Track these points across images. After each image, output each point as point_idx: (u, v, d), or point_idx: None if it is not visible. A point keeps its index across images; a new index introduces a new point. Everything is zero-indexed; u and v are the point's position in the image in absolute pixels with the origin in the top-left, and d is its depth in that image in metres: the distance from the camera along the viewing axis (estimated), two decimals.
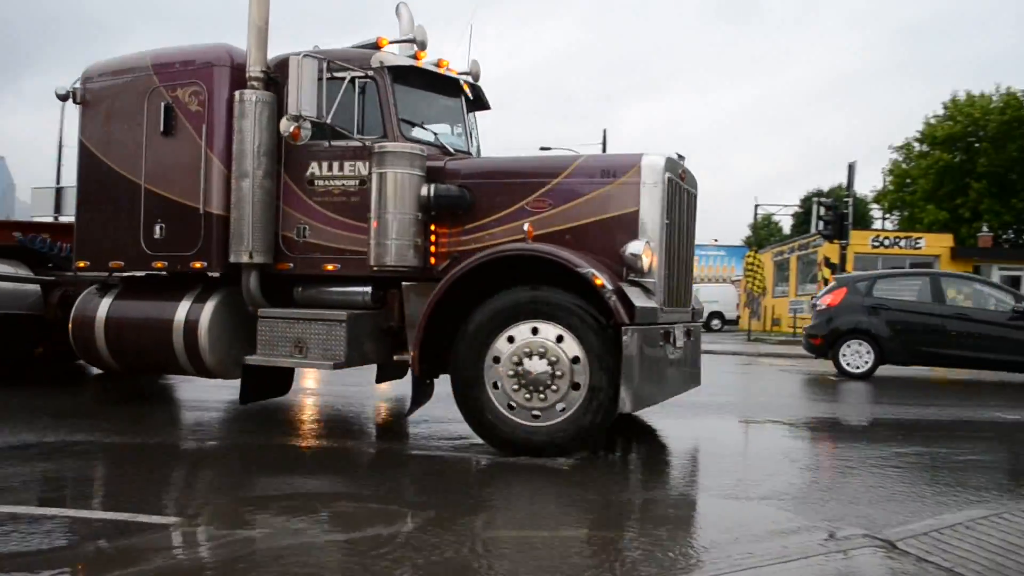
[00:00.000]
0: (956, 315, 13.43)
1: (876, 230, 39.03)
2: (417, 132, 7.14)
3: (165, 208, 7.29)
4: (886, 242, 34.76)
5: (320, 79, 6.43)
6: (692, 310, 7.42)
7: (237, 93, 6.95)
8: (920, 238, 34.87)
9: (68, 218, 14.87)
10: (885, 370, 14.94)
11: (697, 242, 7.80)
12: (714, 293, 39.52)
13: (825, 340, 13.98)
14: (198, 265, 7.14)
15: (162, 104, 7.30)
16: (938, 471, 6.20)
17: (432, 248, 6.68)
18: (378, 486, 5.50)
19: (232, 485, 5.53)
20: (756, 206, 53.70)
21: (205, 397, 9.34)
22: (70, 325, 7.78)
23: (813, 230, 25.04)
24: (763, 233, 52.77)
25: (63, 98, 7.85)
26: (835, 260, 23.69)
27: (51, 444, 6.32)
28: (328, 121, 6.56)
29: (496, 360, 6.02)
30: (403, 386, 9.01)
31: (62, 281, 9.07)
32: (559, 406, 5.93)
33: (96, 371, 10.52)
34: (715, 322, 38.68)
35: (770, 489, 5.40)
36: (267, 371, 7.11)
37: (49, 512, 4.50)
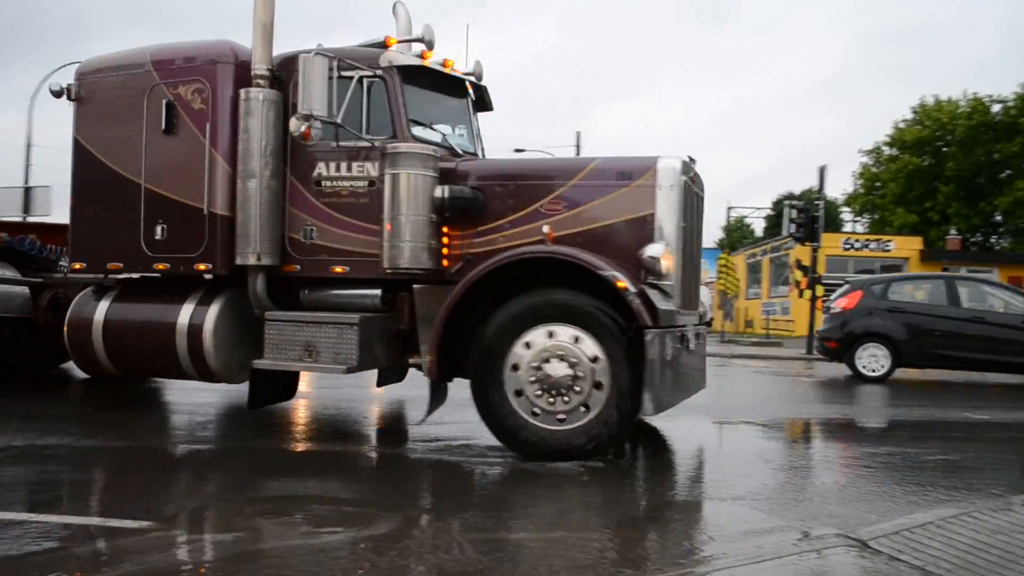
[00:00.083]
0: (972, 318, 13.46)
1: (847, 233, 39.41)
2: (425, 133, 7.04)
3: (167, 208, 7.10)
4: (857, 244, 35.11)
5: (330, 78, 6.32)
6: (699, 313, 7.42)
7: (243, 91, 6.79)
8: (890, 241, 35.31)
9: (40, 218, 14.58)
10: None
11: None
12: None
13: (841, 343, 13.90)
14: (202, 267, 6.97)
15: (163, 102, 7.11)
16: (909, 471, 6.29)
17: (444, 250, 6.59)
18: (379, 489, 5.47)
19: (226, 487, 5.45)
20: (729, 208, 54.05)
21: (189, 400, 9.14)
22: (65, 328, 7.56)
23: (785, 233, 25.22)
24: (736, 235, 53.16)
25: (57, 95, 7.63)
26: (807, 262, 23.87)
27: (20, 448, 6.19)
28: (339, 121, 6.45)
29: (515, 368, 5.97)
30: (400, 389, 8.98)
31: (51, 283, 8.85)
32: (583, 408, 5.89)
33: (82, 375, 10.29)
34: None
35: (744, 489, 5.46)
36: (274, 375, 6.97)
37: (18, 517, 4.39)
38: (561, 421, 5.92)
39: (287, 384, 7.42)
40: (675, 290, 6.30)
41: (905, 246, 34.63)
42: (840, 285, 32.96)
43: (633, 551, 4.07)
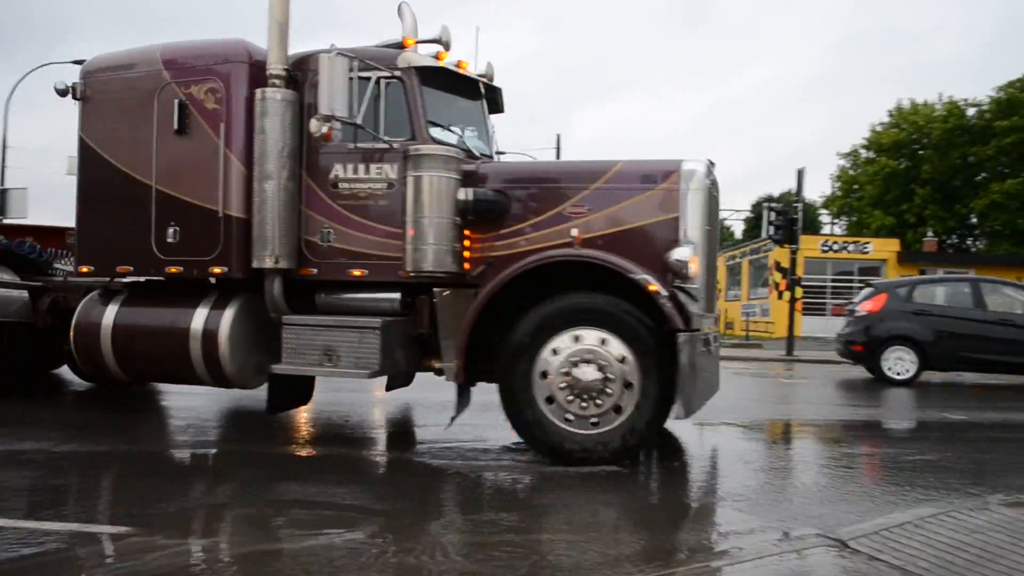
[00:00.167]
0: (999, 321, 13.40)
1: (825, 235, 39.86)
2: (441, 134, 6.96)
3: (179, 210, 6.95)
4: (835, 247, 35.48)
5: (350, 78, 6.23)
6: (715, 315, 7.41)
7: (259, 91, 6.67)
8: (868, 243, 35.72)
9: (16, 220, 14.24)
10: (851, 371, 15.28)
11: None
12: None
13: (867, 346, 13.79)
14: (218, 270, 6.83)
15: (175, 101, 6.96)
16: (888, 471, 6.35)
17: (466, 253, 6.51)
18: (389, 492, 5.47)
19: (235, 492, 5.39)
20: None
21: (182, 405, 9.04)
22: (72, 333, 7.38)
23: (764, 235, 25.42)
24: None
25: (62, 93, 7.46)
26: (786, 264, 24.11)
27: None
28: (359, 122, 6.36)
29: (544, 375, 5.93)
30: (408, 393, 8.89)
31: (51, 287, 8.63)
32: (615, 410, 5.87)
33: (73, 380, 10.09)
34: None
35: (725, 490, 5.51)
36: (291, 380, 6.85)
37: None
38: (595, 425, 5.90)
39: (303, 389, 7.29)
40: (700, 293, 6.28)
41: (882, 248, 35.05)
42: (820, 287, 33.52)
43: (611, 551, 4.10)
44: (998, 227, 38.68)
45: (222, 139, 6.82)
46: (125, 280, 7.59)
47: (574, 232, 6.21)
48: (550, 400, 5.93)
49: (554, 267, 6.15)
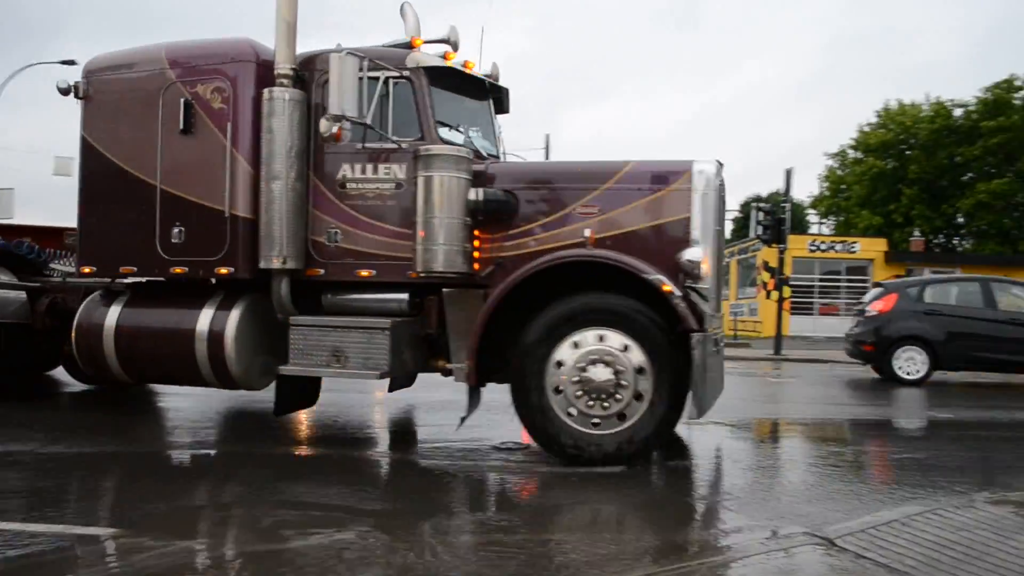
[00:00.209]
0: (1009, 320, 13.41)
1: (813, 234, 40.04)
2: (449, 134, 6.94)
3: (185, 210, 6.89)
4: (823, 246, 35.66)
5: (360, 78, 6.19)
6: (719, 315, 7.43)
7: (267, 91, 6.61)
8: (855, 242, 35.91)
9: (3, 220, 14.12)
10: (837, 370, 15.30)
11: None
12: None
13: (877, 347, 13.76)
14: (224, 271, 6.76)
15: (181, 100, 6.89)
16: (874, 469, 6.41)
17: (476, 254, 6.48)
18: (396, 493, 5.48)
19: (241, 494, 5.38)
20: None
21: (176, 406, 9.01)
22: (73, 334, 7.29)
23: (752, 235, 25.50)
24: None
25: (64, 92, 7.37)
26: (774, 264, 24.17)
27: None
28: (369, 122, 6.32)
29: (559, 365, 5.92)
30: (407, 394, 8.87)
31: (49, 287, 8.53)
32: (621, 416, 5.88)
33: (67, 381, 9.99)
34: None
35: (712, 489, 5.57)
36: (297, 381, 6.81)
37: None
38: (595, 425, 5.91)
39: (310, 391, 7.24)
40: (711, 293, 6.29)
41: (870, 247, 35.26)
42: (808, 287, 33.66)
43: (601, 548, 4.12)
44: (984, 227, 38.96)
45: (228, 139, 6.76)
46: (126, 281, 7.52)
47: (587, 232, 6.20)
48: (557, 391, 5.94)
49: (564, 267, 6.14)
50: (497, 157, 7.46)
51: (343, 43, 6.92)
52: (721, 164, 6.92)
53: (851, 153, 45.16)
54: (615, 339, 5.92)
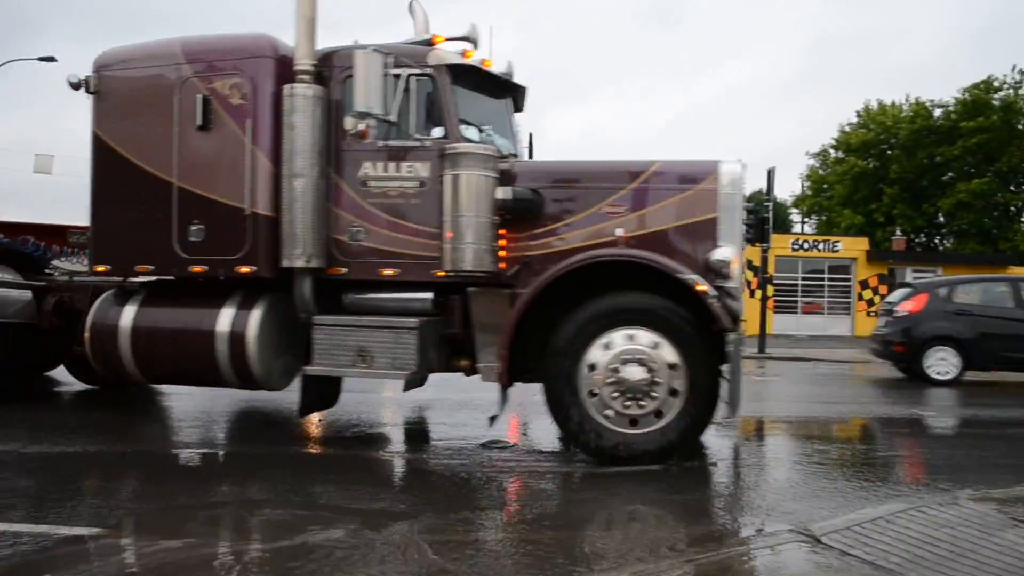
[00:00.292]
0: None
1: (796, 234, 40.31)
2: (469, 132, 6.88)
3: (203, 208, 6.77)
4: (805, 245, 35.83)
5: (385, 75, 6.13)
6: None
7: (287, 87, 6.53)
8: (838, 241, 36.13)
9: None
10: (820, 368, 15.35)
11: None
12: None
13: (908, 347, 13.58)
14: (245, 269, 6.66)
15: (198, 97, 6.77)
16: (859, 467, 6.43)
17: (501, 253, 6.44)
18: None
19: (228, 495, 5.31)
20: None
21: (173, 405, 8.95)
22: (87, 334, 7.13)
23: None
24: None
25: (76, 87, 7.21)
26: (757, 263, 24.33)
27: None
28: (394, 119, 6.26)
29: (592, 368, 5.90)
30: (421, 393, 8.82)
31: (55, 286, 8.35)
32: (657, 413, 5.89)
33: (69, 383, 9.82)
34: None
35: (698, 487, 5.60)
36: (321, 381, 6.73)
37: None
38: (634, 424, 5.92)
39: (332, 391, 7.17)
40: (739, 292, 6.30)
41: (852, 246, 35.52)
42: (791, 285, 33.89)
43: (587, 546, 4.16)
44: (964, 226, 39.32)
45: (248, 135, 6.65)
46: (138, 280, 7.39)
47: (619, 231, 6.19)
48: (592, 394, 5.93)
49: (593, 266, 6.13)
50: (516, 155, 7.42)
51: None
52: (744, 165, 6.94)
53: (833, 153, 45.50)
54: (645, 337, 5.93)
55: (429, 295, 6.60)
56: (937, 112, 40.57)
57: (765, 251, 23.65)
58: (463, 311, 6.54)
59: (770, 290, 22.59)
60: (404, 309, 6.58)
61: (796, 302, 34.23)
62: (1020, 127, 38.19)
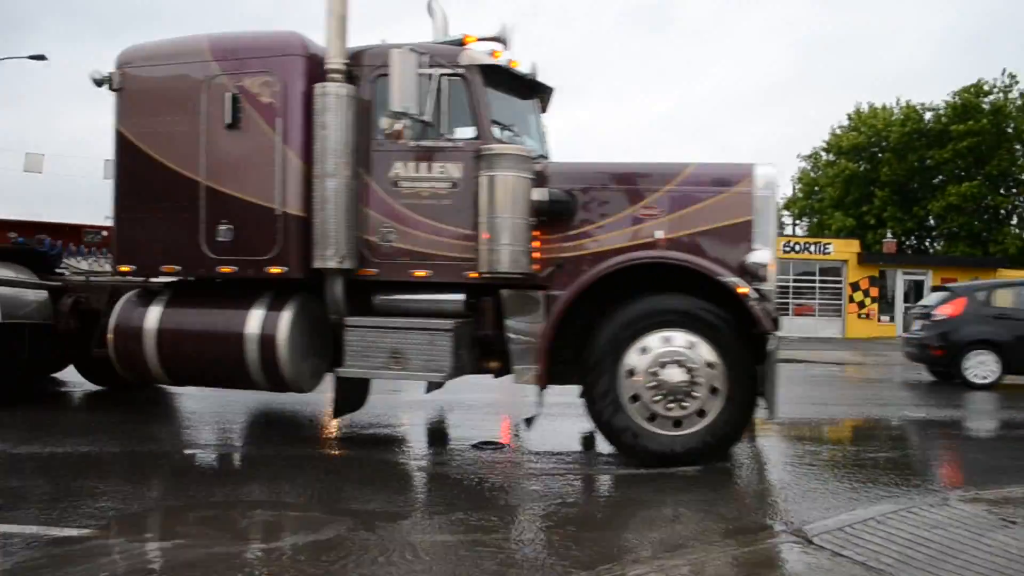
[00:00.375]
0: None
1: (787, 236, 40.50)
2: (499, 134, 6.84)
3: (232, 207, 6.69)
4: (797, 247, 35.99)
5: (420, 75, 6.09)
6: None
7: (319, 86, 6.46)
8: (829, 244, 36.33)
9: None
10: (812, 370, 15.36)
11: None
12: None
13: (947, 351, 13.39)
14: (276, 270, 6.58)
15: (227, 95, 6.68)
16: (850, 468, 6.48)
17: (535, 254, 6.40)
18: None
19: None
20: None
21: (177, 406, 8.90)
22: (110, 336, 7.02)
23: None
24: None
25: (99, 83, 7.11)
26: None
27: None
28: (429, 119, 6.21)
29: (631, 373, 5.88)
30: (442, 395, 8.78)
31: (71, 287, 8.22)
32: (700, 412, 5.90)
33: (70, 384, 9.72)
34: None
35: (689, 487, 5.59)
36: (350, 383, 6.67)
37: None
38: (678, 425, 5.91)
39: (361, 393, 7.11)
40: (773, 294, 6.30)
41: (843, 249, 35.72)
42: (783, 287, 33.96)
43: (576, 549, 4.17)
44: (955, 228, 39.66)
45: (279, 134, 6.58)
46: (159, 280, 7.29)
47: (659, 233, 6.17)
48: (634, 399, 5.93)
49: (628, 268, 6.12)
50: (544, 157, 7.39)
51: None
52: (778, 168, 6.96)
53: (824, 155, 45.77)
54: (680, 338, 5.93)
55: (461, 296, 6.55)
56: (928, 115, 40.91)
57: None
58: (495, 313, 6.50)
59: None
60: (436, 310, 6.53)
61: (788, 304, 34.39)
62: (1010, 131, 38.55)
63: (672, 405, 5.85)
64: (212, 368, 6.78)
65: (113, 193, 7.15)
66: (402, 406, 8.96)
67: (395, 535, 4.36)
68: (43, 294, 8.20)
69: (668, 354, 5.89)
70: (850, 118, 44.09)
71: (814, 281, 34.75)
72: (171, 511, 4.92)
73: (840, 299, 33.69)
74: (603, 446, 7.04)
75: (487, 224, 6.15)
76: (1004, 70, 39.54)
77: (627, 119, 72.51)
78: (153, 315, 6.88)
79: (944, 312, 13.83)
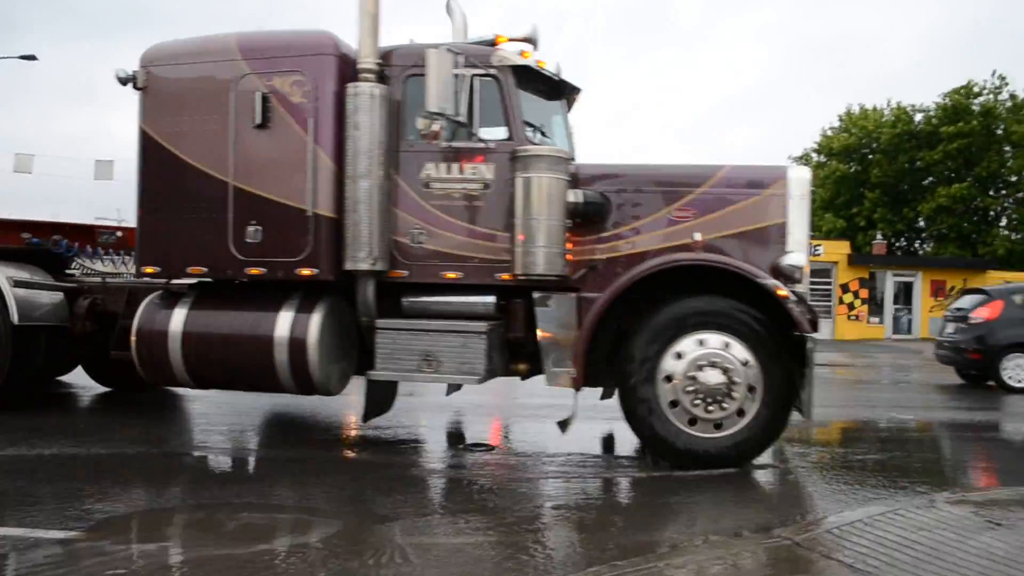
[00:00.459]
0: None
1: None
2: (530, 135, 6.81)
3: (262, 208, 6.61)
4: None
5: (455, 75, 6.06)
6: None
7: (351, 86, 6.41)
8: (819, 245, 36.36)
9: None
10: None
11: None
12: None
13: (984, 354, 13.30)
14: (307, 272, 6.51)
15: (256, 94, 6.61)
16: (838, 471, 6.51)
17: (568, 256, 6.38)
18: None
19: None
20: None
21: (203, 410, 8.82)
22: (133, 338, 6.90)
23: None
24: None
25: (124, 82, 7.02)
26: None
27: None
28: (464, 120, 6.17)
29: (668, 379, 5.90)
30: (462, 396, 8.75)
31: (87, 288, 8.09)
32: (740, 412, 5.92)
33: (76, 385, 9.61)
34: None
35: (678, 489, 5.60)
36: (378, 386, 6.62)
37: None
38: (718, 427, 5.91)
39: (388, 396, 7.05)
40: (807, 296, 6.31)
41: (834, 250, 35.86)
42: None
43: (554, 552, 4.19)
44: (944, 230, 39.90)
45: (311, 134, 6.51)
46: (181, 282, 7.20)
47: (697, 235, 6.17)
48: (674, 404, 5.93)
49: (669, 271, 6.13)
50: (573, 158, 7.36)
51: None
52: (811, 171, 6.99)
53: (815, 157, 45.96)
54: (715, 340, 5.94)
55: (492, 299, 6.52)
56: (918, 117, 41.13)
57: None
58: (525, 315, 6.47)
59: None
60: (467, 312, 6.49)
61: None
62: (1000, 132, 38.83)
63: (712, 407, 5.85)
64: (239, 371, 6.68)
65: (137, 193, 7.05)
66: (416, 408, 8.92)
67: (411, 536, 4.37)
68: (59, 296, 8.07)
69: (703, 357, 5.89)
70: (841, 120, 44.31)
71: None
72: (164, 513, 4.96)
73: (830, 301, 33.79)
74: (619, 448, 7.13)
75: (523, 225, 6.13)
76: (994, 72, 39.90)
77: (617, 121, 72.58)
78: (178, 318, 6.79)
79: (981, 315, 13.73)
